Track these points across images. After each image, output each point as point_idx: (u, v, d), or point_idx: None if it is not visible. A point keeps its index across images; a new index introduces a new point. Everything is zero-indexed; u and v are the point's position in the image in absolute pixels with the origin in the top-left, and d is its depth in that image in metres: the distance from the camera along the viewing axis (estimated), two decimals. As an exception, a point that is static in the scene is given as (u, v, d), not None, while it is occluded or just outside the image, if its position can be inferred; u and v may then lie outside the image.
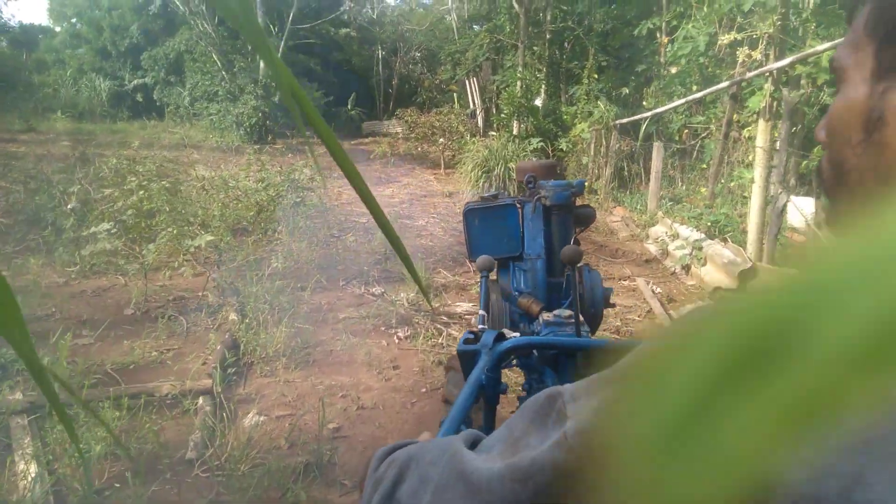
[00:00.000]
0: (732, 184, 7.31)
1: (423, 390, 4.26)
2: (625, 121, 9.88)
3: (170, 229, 5.61)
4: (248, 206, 7.65)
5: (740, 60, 6.75)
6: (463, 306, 5.90)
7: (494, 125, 21.37)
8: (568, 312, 1.97)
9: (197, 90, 24.10)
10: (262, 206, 7.98)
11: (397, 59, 28.57)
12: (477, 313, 2.40)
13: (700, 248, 6.48)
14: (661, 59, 12.22)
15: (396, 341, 5.04)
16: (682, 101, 8.30)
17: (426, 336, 5.11)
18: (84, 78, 25.58)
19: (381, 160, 16.79)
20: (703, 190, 10.22)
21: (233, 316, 5.09)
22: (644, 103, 11.64)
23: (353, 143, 23.13)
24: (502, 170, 10.47)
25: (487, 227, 2.63)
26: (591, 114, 10.45)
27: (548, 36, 11.76)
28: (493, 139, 11.30)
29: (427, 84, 26.13)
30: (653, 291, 6.15)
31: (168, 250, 5.81)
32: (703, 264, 6.41)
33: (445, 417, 1.26)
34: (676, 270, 6.81)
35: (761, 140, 5.91)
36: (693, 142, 11.03)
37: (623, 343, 2.03)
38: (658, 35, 12.29)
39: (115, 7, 26.01)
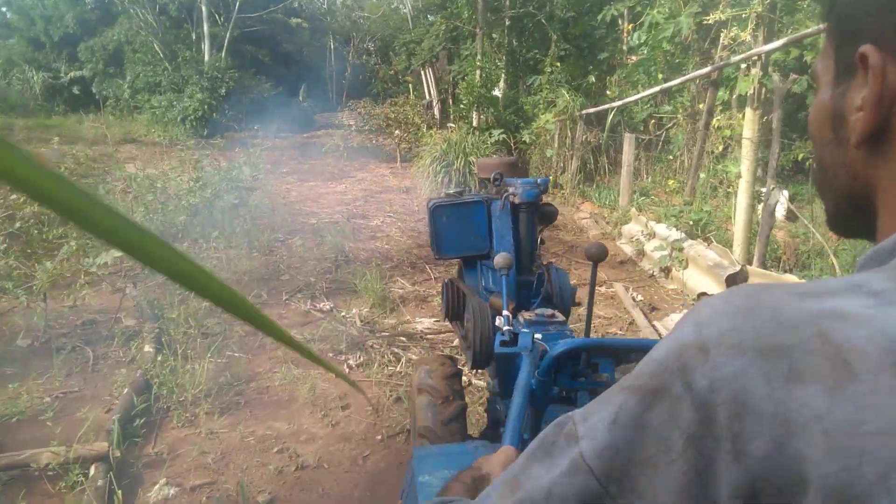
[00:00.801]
0: (713, 178, 6.72)
1: (378, 438, 3.48)
2: (592, 111, 9.22)
3: (71, 243, 4.65)
4: (178, 209, 6.69)
5: (723, 43, 6.12)
6: (424, 322, 5.12)
7: (452, 116, 20.61)
8: (550, 311, 1.96)
9: (138, 82, 22.60)
10: (195, 210, 7.04)
11: (351, 50, 27.47)
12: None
13: (680, 249, 5.84)
14: (624, 48, 11.62)
15: (347, 370, 4.24)
16: (657, 89, 7.67)
17: (382, 363, 4.31)
18: (15, 70, 23.72)
19: (334, 154, 15.82)
20: (670, 182, 9.65)
21: (148, 347, 4.20)
22: (608, 93, 11.02)
23: (305, 135, 21.99)
24: (462, 164, 9.71)
25: (455, 224, 2.60)
26: (554, 104, 9.75)
27: (507, 23, 11.01)
28: (452, 131, 10.52)
29: (381, 75, 25.12)
30: (633, 299, 5.48)
31: (71, 268, 4.85)
32: (685, 266, 5.77)
33: (504, 431, 1.22)
34: (655, 273, 6.16)
35: (748, 131, 5.29)
36: (658, 133, 10.46)
37: None
38: (620, 22, 11.68)
39: (47, -5, 24.21)
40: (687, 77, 6.84)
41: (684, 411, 0.43)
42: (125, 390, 3.64)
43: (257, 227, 7.50)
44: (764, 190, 5.17)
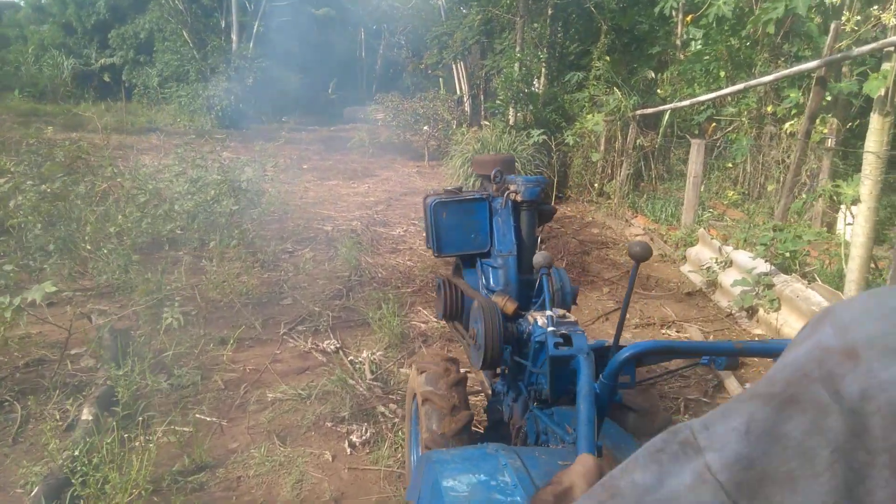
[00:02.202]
0: (811, 199, 5.41)
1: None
2: (650, 111, 7.92)
3: (6, 265, 3.58)
4: (167, 215, 5.61)
5: (848, 28, 4.84)
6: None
7: (484, 113, 19.34)
8: (561, 311, 1.89)
9: (166, 70, 21.77)
10: (193, 215, 5.97)
11: (381, 42, 26.35)
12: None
13: (770, 286, 4.59)
14: (678, 42, 10.27)
15: (348, 451, 3.10)
16: (741, 86, 6.37)
17: (394, 442, 3.16)
18: (46, 55, 23.04)
19: (359, 149, 14.71)
20: (730, 193, 8.35)
21: (87, 413, 3.10)
22: (658, 91, 9.69)
23: (332, 129, 20.95)
24: (497, 167, 8.53)
25: (455, 221, 2.53)
26: (600, 102, 8.48)
27: (550, 11, 9.73)
28: (487, 129, 9.32)
29: (411, 68, 23.95)
30: (715, 351, 4.23)
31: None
32: (777, 308, 4.52)
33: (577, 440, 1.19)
34: (734, 312, 4.92)
35: (873, 142, 4.01)
36: (716, 137, 9.11)
37: (767, 345, 1.49)
38: (674, 14, 10.33)
39: (80, -20, 23.48)
40: (788, 72, 5.56)
41: (831, 421, 0.40)
42: (36, 489, 2.55)
43: (263, 237, 6.42)
44: None
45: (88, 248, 4.91)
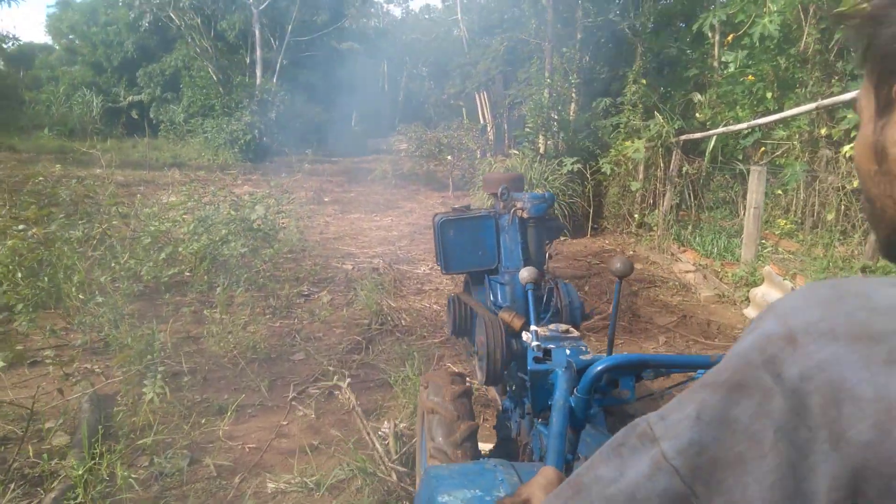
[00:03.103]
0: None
1: None
2: (698, 136, 7.21)
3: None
4: (171, 257, 5.02)
5: None
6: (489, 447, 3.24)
7: (508, 143, 18.77)
8: (564, 327, 1.85)
9: (192, 106, 21.69)
10: (201, 257, 5.38)
11: (403, 74, 26.13)
12: None
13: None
14: (715, 63, 9.57)
15: (365, 568, 2.39)
16: (801, 109, 5.63)
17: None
18: (77, 94, 23.17)
19: (382, 181, 14.19)
20: (781, 222, 7.56)
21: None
22: (697, 115, 8.97)
23: (354, 160, 20.57)
24: (527, 198, 7.88)
25: (463, 239, 2.53)
26: (639, 128, 7.80)
27: (579, 35, 9.14)
28: (516, 158, 8.68)
29: (434, 99, 23.59)
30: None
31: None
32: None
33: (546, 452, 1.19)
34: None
35: None
36: (764, 162, 8.34)
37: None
38: (710, 35, 9.67)
39: (111, 22, 23.68)
40: (846, 96, 4.83)
41: (774, 403, 0.41)
42: None
43: (277, 278, 5.81)
44: None
45: (80, 297, 4.32)
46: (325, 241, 8.06)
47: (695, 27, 8.07)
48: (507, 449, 2.25)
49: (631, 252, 7.36)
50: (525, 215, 2.45)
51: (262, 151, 18.70)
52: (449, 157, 13.51)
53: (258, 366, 4.11)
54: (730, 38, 8.48)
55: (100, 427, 3.15)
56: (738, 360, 0.45)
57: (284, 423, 3.46)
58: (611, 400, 1.42)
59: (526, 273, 2.02)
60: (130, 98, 23.62)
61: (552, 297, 2.38)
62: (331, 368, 4.03)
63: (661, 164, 7.32)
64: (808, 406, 0.40)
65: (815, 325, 0.42)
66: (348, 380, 3.82)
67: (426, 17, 26.12)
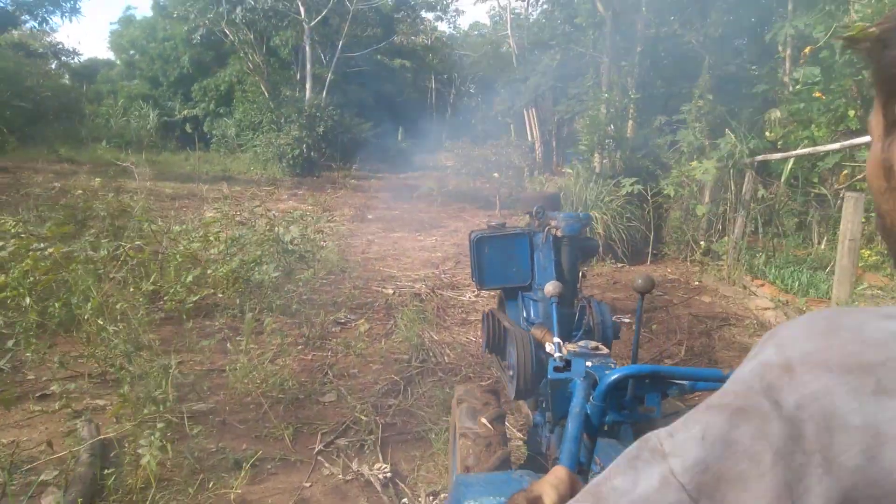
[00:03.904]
0: None
1: None
2: (777, 156, 6.47)
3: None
4: (199, 280, 4.63)
5: None
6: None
7: (556, 160, 18.14)
8: (594, 344, 1.85)
9: (244, 121, 21.86)
10: (234, 278, 4.98)
11: (451, 90, 25.82)
12: None
13: None
14: (786, 78, 8.79)
15: None
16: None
17: None
18: (133, 107, 23.67)
19: (427, 198, 13.75)
20: (866, 254, 6.74)
21: None
22: (767, 134, 8.19)
23: (401, 176, 20.26)
24: (582, 221, 7.26)
25: (498, 256, 2.57)
26: (708, 147, 7.10)
27: (639, 48, 8.51)
28: (569, 177, 8.08)
29: (481, 115, 23.15)
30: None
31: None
32: None
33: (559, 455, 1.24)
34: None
35: None
36: (842, 185, 7.52)
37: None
38: (780, 48, 8.92)
39: (168, 38, 24.19)
40: None
41: (773, 427, 0.44)
42: None
43: (313, 302, 5.36)
44: None
45: (98, 323, 3.95)
46: (367, 261, 7.61)
47: (768, 37, 7.36)
48: (538, 463, 2.24)
49: (696, 282, 6.64)
50: (559, 234, 2.45)
51: (310, 166, 18.59)
52: (496, 175, 12.97)
53: (283, 408, 3.63)
54: (807, 50, 7.72)
55: (98, 482, 2.72)
56: (740, 386, 0.48)
57: (307, 484, 2.95)
58: (636, 416, 1.43)
59: (551, 287, 2.03)
60: (185, 112, 23.98)
61: (584, 315, 2.39)
62: (364, 418, 3.52)
63: (733, 187, 6.60)
64: (803, 432, 0.42)
65: (810, 356, 0.45)
66: (379, 439, 3.30)
67: (475, 33, 25.80)
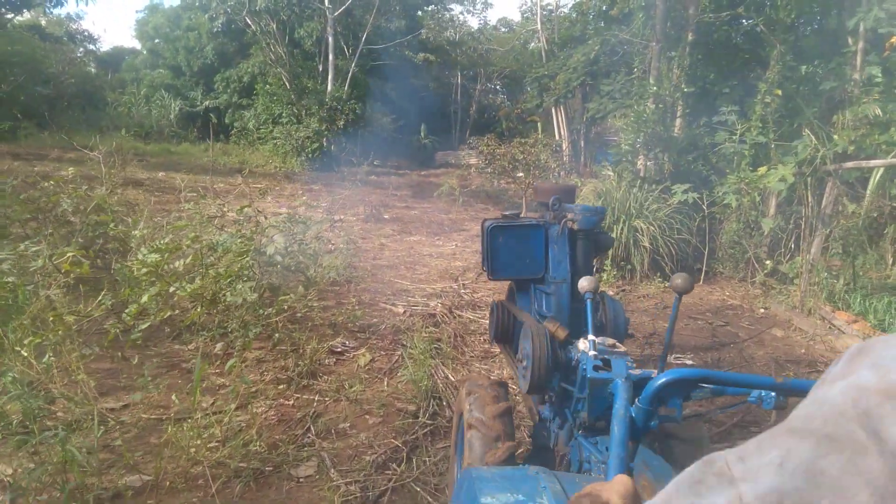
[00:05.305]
0: None
1: None
2: (872, 164, 5.28)
3: None
4: (162, 296, 3.65)
5: None
6: None
7: (584, 161, 16.94)
8: (611, 341, 1.79)
9: (264, 113, 21.00)
10: (208, 299, 3.99)
11: (477, 87, 24.67)
12: None
13: None
14: (856, 76, 7.56)
15: None
16: None
17: None
18: (156, 96, 22.97)
19: (448, 197, 12.71)
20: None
21: None
22: (836, 137, 6.99)
23: (422, 173, 19.25)
24: (626, 231, 6.13)
25: (511, 246, 2.47)
26: (775, 150, 5.94)
27: (690, 37, 7.33)
28: (610, 181, 6.96)
29: (504, 112, 21.98)
30: None
31: None
32: None
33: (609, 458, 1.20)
34: None
35: None
36: (928, 199, 6.31)
37: (810, 383, 1.29)
38: (850, 41, 7.69)
39: (193, 27, 23.40)
40: None
41: (871, 462, 0.38)
42: None
43: (306, 323, 4.37)
44: None
45: (23, 354, 2.99)
46: (377, 269, 6.60)
47: (851, 22, 6.17)
48: (543, 458, 2.13)
49: (762, 310, 5.51)
50: (575, 227, 2.39)
51: (329, 160, 17.67)
52: (520, 175, 11.88)
53: (242, 487, 2.63)
54: (893, 40, 6.51)
55: None
56: (828, 410, 0.42)
57: None
58: (658, 418, 1.37)
59: (586, 282, 1.94)
60: (207, 103, 23.20)
61: (598, 311, 2.26)
62: (370, 455, 2.51)
63: (809, 198, 5.44)
64: None
65: None
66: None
67: (504, 28, 24.63)
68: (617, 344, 1.76)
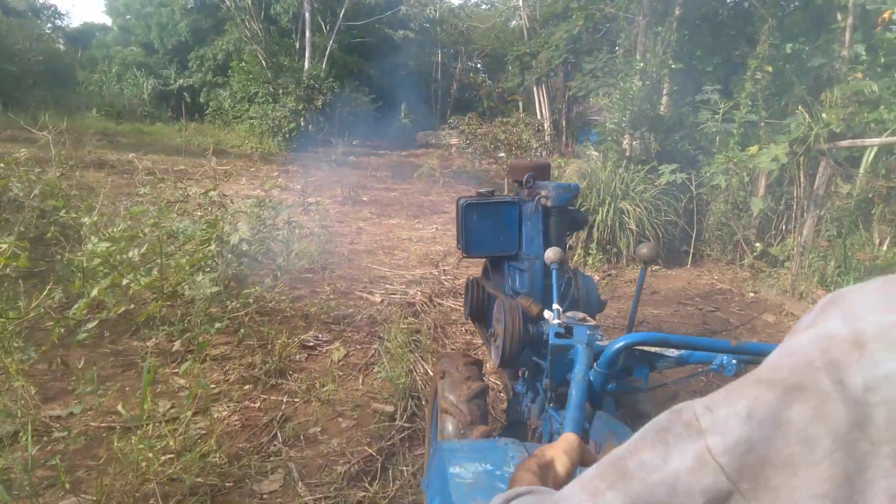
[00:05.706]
0: None
1: None
2: (868, 142, 5.06)
3: None
4: (115, 290, 3.31)
5: None
6: None
7: (566, 140, 16.68)
8: (581, 315, 1.77)
9: (239, 91, 20.33)
10: (164, 292, 3.66)
11: (458, 66, 24.15)
12: None
13: None
14: (844, 53, 7.34)
15: None
16: None
17: None
18: (128, 74, 22.12)
19: (429, 178, 12.36)
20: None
21: None
22: (824, 116, 6.79)
23: (402, 153, 18.83)
24: (611, 213, 5.88)
25: (485, 223, 2.45)
26: (764, 129, 5.71)
27: (677, 11, 7.04)
28: (595, 161, 6.69)
29: (485, 91, 21.56)
30: None
31: None
32: None
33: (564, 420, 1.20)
34: None
35: None
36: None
37: (765, 347, 1.29)
38: (839, 16, 7.47)
39: (165, 3, 22.52)
40: None
41: (834, 410, 0.38)
42: None
43: (276, 315, 4.06)
44: None
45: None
46: (354, 255, 6.29)
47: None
48: (517, 432, 2.08)
49: (751, 294, 5.31)
50: (549, 204, 2.34)
51: (307, 141, 17.17)
52: (501, 155, 11.56)
53: (233, 471, 2.35)
54: (886, 15, 6.28)
55: None
56: (796, 360, 0.41)
57: None
58: (623, 387, 1.38)
59: (551, 253, 1.93)
60: (181, 81, 22.43)
61: (570, 287, 2.22)
62: (345, 466, 2.24)
63: (802, 178, 5.22)
64: (871, 419, 0.37)
65: (887, 332, 0.38)
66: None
67: (485, 5, 24.08)
68: (587, 318, 1.73)
